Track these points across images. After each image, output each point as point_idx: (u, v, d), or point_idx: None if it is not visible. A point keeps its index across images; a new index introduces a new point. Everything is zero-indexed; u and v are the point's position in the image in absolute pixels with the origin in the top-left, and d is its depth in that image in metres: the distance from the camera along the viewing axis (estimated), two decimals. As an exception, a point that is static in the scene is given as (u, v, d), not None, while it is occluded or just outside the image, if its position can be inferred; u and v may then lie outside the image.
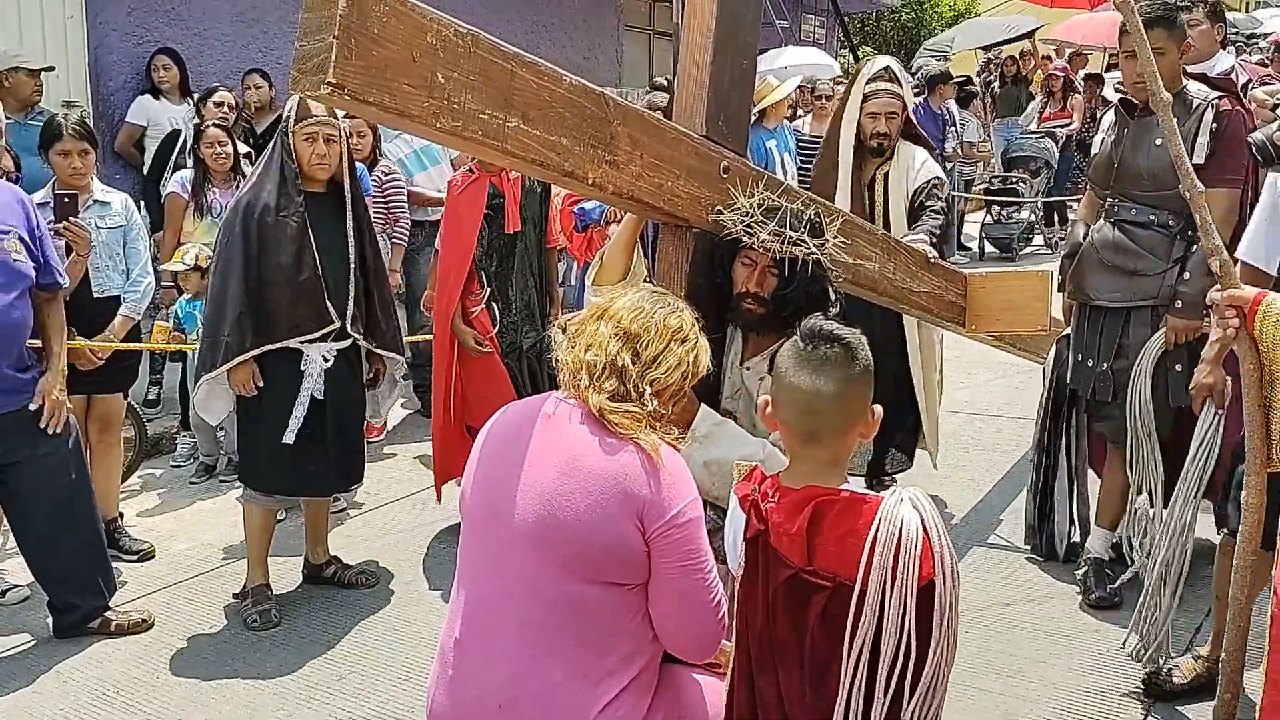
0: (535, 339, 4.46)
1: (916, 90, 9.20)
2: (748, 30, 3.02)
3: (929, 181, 4.31)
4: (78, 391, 4.05)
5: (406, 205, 5.84)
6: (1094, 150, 4.02)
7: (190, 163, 5.43)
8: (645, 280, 3.11)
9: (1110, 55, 14.72)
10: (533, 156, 2.37)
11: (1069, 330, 3.96)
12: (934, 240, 4.07)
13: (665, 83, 7.32)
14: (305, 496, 4.03)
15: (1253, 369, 2.58)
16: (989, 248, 10.72)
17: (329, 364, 3.75)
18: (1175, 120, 3.44)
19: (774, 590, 1.91)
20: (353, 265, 3.75)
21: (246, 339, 3.61)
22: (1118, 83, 8.16)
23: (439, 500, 4.54)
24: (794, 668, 1.91)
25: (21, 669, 3.54)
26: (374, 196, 5.57)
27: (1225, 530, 3.06)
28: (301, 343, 3.70)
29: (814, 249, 2.78)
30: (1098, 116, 10.66)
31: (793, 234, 2.75)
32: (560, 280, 5.08)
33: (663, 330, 2.15)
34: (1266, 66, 7.45)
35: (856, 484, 2.04)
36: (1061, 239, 10.31)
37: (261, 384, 3.68)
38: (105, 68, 7.06)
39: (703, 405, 2.69)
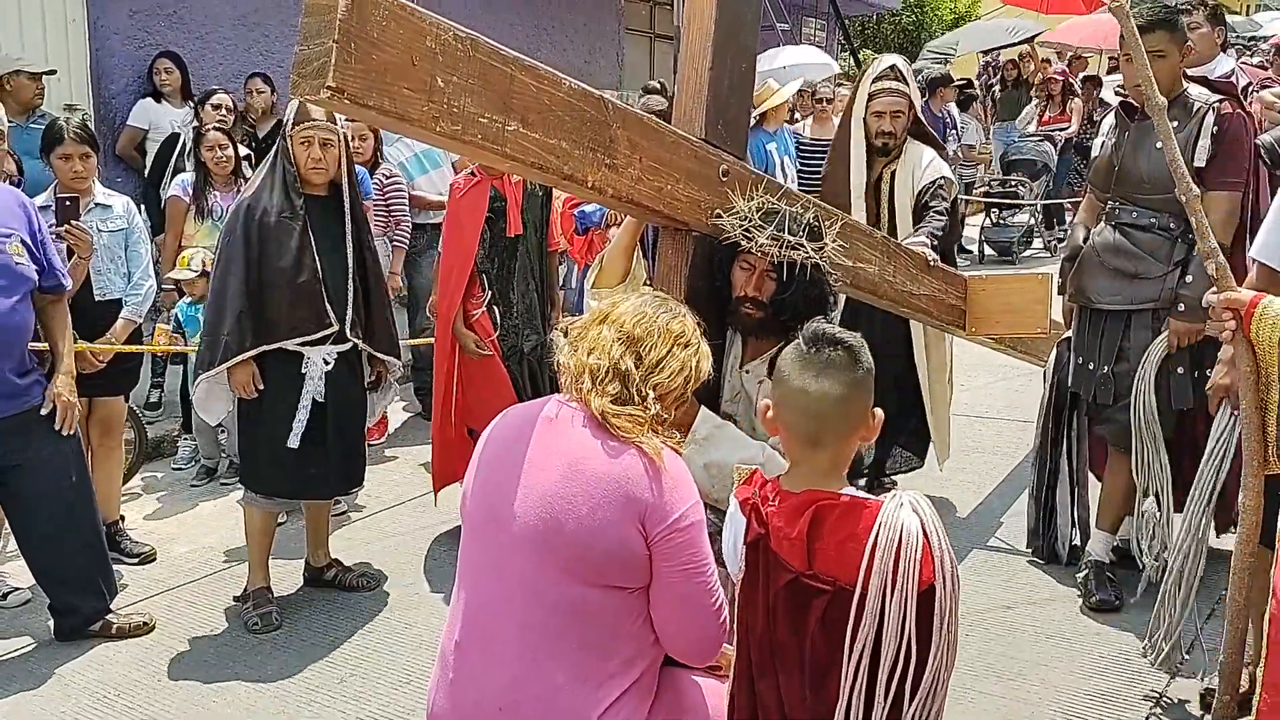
0: (536, 341, 4.47)
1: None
2: (747, 34, 3.02)
3: (934, 181, 4.29)
4: (79, 394, 4.05)
5: (408, 208, 5.84)
6: (1094, 153, 4.02)
7: (190, 166, 5.44)
8: (645, 284, 3.11)
9: (1111, 58, 14.74)
10: (532, 160, 2.38)
11: (1069, 333, 3.96)
12: (938, 241, 4.07)
13: (658, 85, 7.31)
14: (306, 499, 4.04)
15: (1249, 371, 2.58)
16: (988, 251, 10.73)
17: (329, 367, 3.76)
18: (1176, 123, 3.46)
19: (774, 594, 1.91)
20: (351, 269, 3.76)
21: (246, 339, 3.62)
22: (1118, 86, 8.18)
23: (436, 504, 4.54)
24: (794, 672, 1.91)
25: (22, 672, 3.54)
26: (375, 200, 5.58)
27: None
28: (301, 345, 3.70)
29: (812, 253, 2.78)
30: (1095, 119, 10.69)
31: (791, 238, 2.75)
32: (561, 283, 5.08)
33: (665, 335, 2.15)
34: (1266, 69, 7.45)
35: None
36: (1059, 242, 10.32)
37: (262, 386, 3.69)
38: (107, 71, 7.07)
39: (702, 408, 2.69)
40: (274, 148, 3.79)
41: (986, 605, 3.80)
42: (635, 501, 2.01)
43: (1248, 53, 11.64)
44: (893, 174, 4.39)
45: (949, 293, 3.96)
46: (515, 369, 4.45)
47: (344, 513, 4.79)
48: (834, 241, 2.88)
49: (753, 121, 6.82)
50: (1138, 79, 2.86)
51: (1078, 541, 4.09)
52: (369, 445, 4.73)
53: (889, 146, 4.35)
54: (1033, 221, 11.01)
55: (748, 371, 2.95)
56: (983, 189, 11.24)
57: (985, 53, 14.59)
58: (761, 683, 1.96)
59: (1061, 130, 11.42)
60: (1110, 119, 3.89)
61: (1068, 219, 10.64)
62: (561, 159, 2.43)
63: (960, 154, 10.52)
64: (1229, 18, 5.95)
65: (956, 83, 11.18)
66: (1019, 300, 4.04)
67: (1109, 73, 14.15)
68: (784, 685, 1.93)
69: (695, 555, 2.04)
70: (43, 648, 3.70)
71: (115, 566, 3.95)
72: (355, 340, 3.80)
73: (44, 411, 3.49)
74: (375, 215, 5.50)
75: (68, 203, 3.95)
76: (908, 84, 4.37)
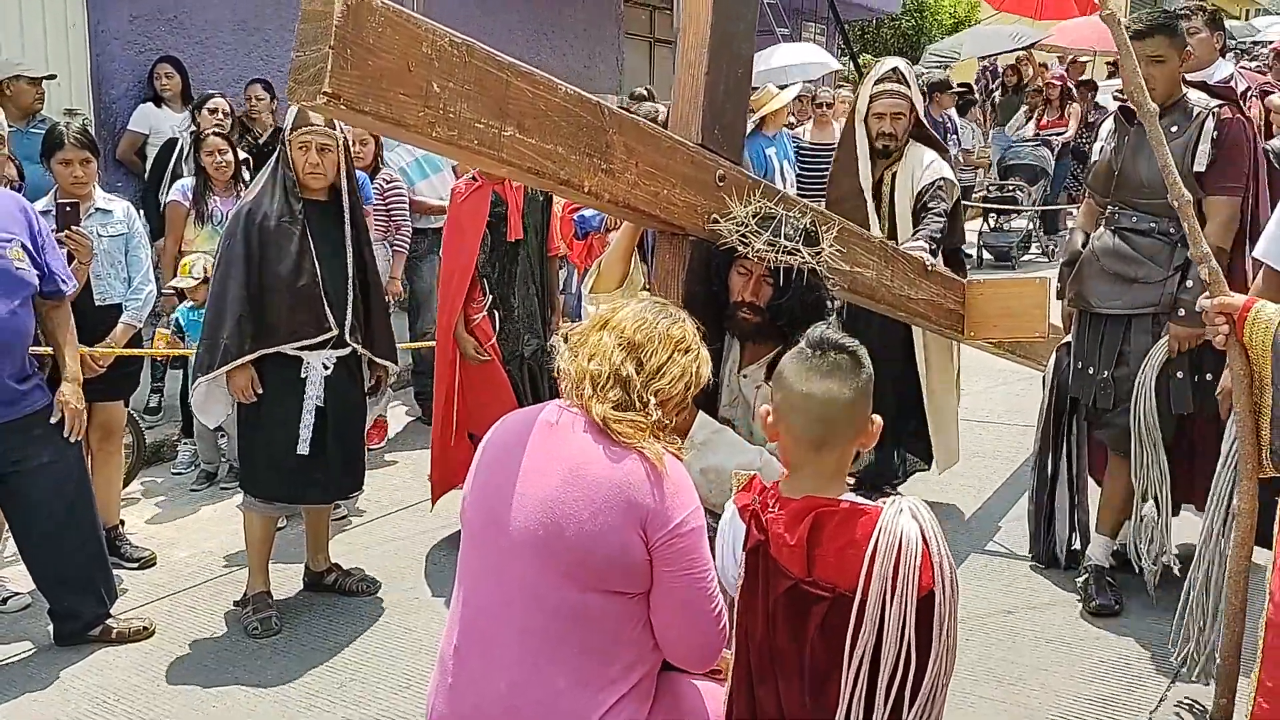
0: (536, 346, 4.47)
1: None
2: (742, 39, 3.02)
3: (934, 182, 4.28)
4: (79, 399, 4.07)
5: (408, 213, 5.84)
6: (1093, 158, 4.02)
7: (188, 171, 5.44)
8: (643, 289, 3.11)
9: (1109, 63, 14.76)
10: (528, 165, 2.38)
11: (1069, 338, 3.96)
12: (937, 243, 4.07)
13: (645, 93, 7.30)
14: (305, 504, 4.03)
15: (1242, 374, 2.59)
16: (986, 256, 10.72)
17: (329, 372, 3.76)
18: (1176, 128, 3.47)
19: (774, 601, 1.91)
20: (351, 274, 3.76)
21: (245, 343, 3.62)
22: (1116, 90, 8.18)
23: (433, 509, 4.54)
24: (794, 678, 1.91)
25: (22, 676, 3.54)
26: (376, 204, 5.58)
27: None
28: (301, 349, 3.71)
29: (809, 258, 2.78)
30: (1091, 124, 10.70)
31: (787, 243, 2.75)
32: (561, 287, 5.09)
33: (666, 340, 2.15)
34: (1265, 74, 7.45)
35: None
36: (1056, 247, 10.32)
37: (261, 391, 3.69)
38: (107, 76, 7.08)
39: (701, 413, 2.70)
40: (275, 153, 3.80)
41: (986, 610, 3.80)
42: (636, 507, 2.01)
43: (1246, 57, 11.64)
44: (894, 176, 4.39)
45: (947, 297, 3.96)
46: (515, 373, 4.45)
47: (344, 517, 4.79)
48: (831, 246, 2.89)
49: (752, 126, 6.84)
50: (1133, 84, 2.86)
51: (1077, 546, 4.09)
52: (369, 450, 4.74)
53: (890, 148, 4.34)
54: (1031, 226, 11.01)
55: (745, 376, 2.96)
56: (981, 194, 11.24)
57: (983, 58, 14.60)
58: (761, 689, 1.96)
59: (1059, 135, 11.42)
60: (1109, 123, 3.89)
61: (1066, 224, 10.64)
62: (558, 164, 2.43)
63: (959, 159, 10.52)
64: (1227, 23, 5.96)
65: (956, 88, 11.18)
66: (1017, 304, 4.04)
67: (1109, 77, 14.19)
68: (783, 691, 1.93)
69: (696, 561, 2.04)
70: (43, 652, 3.70)
71: (115, 571, 3.95)
72: (354, 345, 3.80)
73: (53, 420, 3.50)
74: (376, 220, 5.51)
75: (68, 208, 3.96)
76: (909, 86, 4.37)
